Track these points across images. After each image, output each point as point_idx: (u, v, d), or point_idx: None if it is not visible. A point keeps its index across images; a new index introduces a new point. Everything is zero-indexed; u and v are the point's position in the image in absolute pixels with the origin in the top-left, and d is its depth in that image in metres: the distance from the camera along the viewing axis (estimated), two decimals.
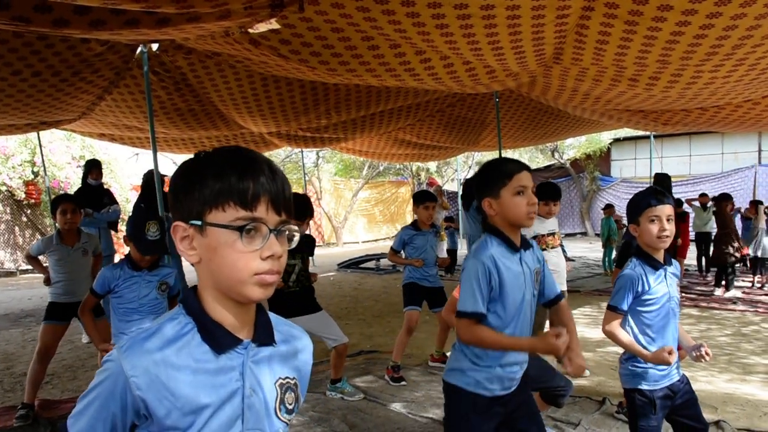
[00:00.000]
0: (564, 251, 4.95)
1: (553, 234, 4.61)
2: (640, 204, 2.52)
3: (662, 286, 2.52)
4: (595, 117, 8.09)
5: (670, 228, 2.45)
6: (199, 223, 1.07)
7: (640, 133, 17.84)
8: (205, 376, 1.08)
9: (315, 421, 3.95)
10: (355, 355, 5.54)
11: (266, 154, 19.61)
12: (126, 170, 15.52)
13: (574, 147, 21.24)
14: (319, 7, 3.62)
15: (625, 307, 2.52)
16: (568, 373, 2.21)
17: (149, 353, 1.05)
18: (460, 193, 10.70)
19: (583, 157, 20.45)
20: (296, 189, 19.15)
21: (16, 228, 12.98)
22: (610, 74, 4.65)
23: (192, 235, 1.09)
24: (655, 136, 16.89)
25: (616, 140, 20.34)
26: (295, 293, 4.11)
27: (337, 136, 9.97)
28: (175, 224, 1.10)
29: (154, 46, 5.82)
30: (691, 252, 10.60)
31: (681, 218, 9.47)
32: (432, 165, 22.15)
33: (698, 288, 9.06)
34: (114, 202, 6.51)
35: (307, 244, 4.27)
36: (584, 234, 20.99)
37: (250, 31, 4.20)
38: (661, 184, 8.15)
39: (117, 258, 7.87)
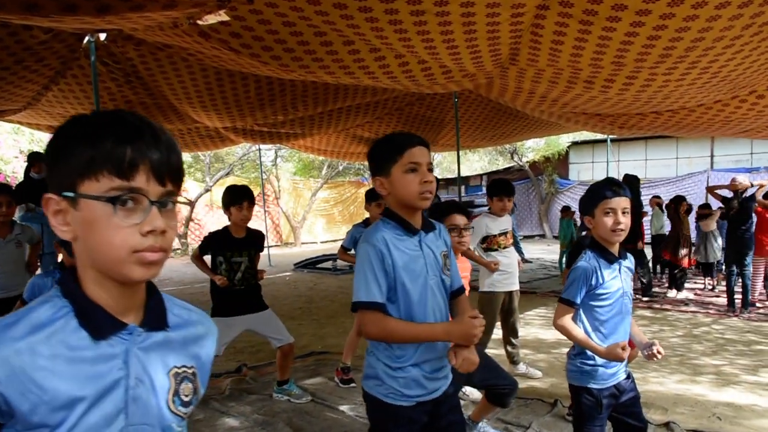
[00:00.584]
0: (521, 252, 4.92)
1: (505, 233, 4.56)
2: (595, 195, 2.45)
3: (616, 280, 2.46)
4: (553, 119, 8.13)
5: (626, 221, 2.39)
6: (71, 194, 0.96)
7: (598, 136, 18.10)
8: (81, 365, 0.96)
9: (259, 424, 3.83)
10: (305, 356, 5.43)
11: (223, 150, 19.32)
12: None
13: (533, 150, 21.45)
14: None
15: (578, 300, 2.46)
16: (455, 367, 2.02)
17: (11, 342, 0.92)
18: None
19: (541, 160, 20.66)
20: (254, 188, 18.78)
21: None
22: (566, 76, 4.64)
23: (65, 209, 0.98)
24: (612, 140, 17.13)
25: (575, 143, 20.61)
26: (240, 291, 3.98)
27: (294, 131, 9.84)
28: (46, 197, 0.98)
29: (102, 36, 5.59)
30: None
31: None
32: None
33: (652, 290, 9.16)
34: None
35: (256, 240, 4.13)
36: (542, 236, 21.22)
37: (199, 22, 4.06)
38: (631, 186, 8.26)
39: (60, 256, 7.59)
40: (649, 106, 5.72)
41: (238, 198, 3.90)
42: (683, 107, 6.01)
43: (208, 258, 4.05)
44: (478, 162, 28.28)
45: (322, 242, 21.29)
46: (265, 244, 14.81)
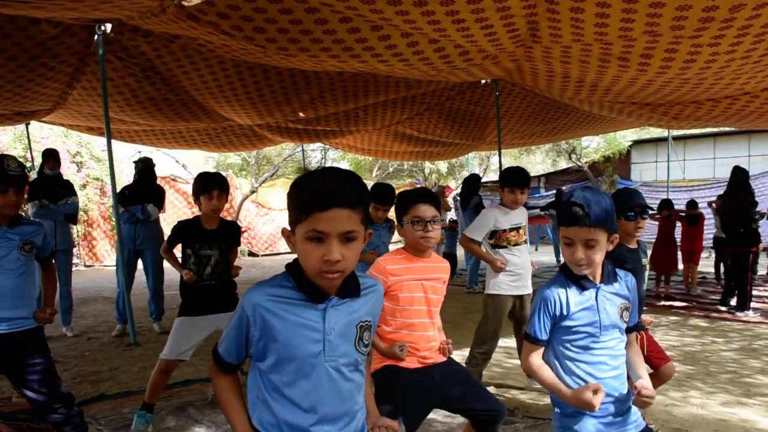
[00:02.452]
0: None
1: (517, 229, 4.02)
2: (560, 216, 1.95)
3: (589, 312, 1.93)
4: (603, 112, 7.53)
5: (587, 256, 1.87)
6: None
7: (662, 134, 17.10)
8: None
9: None
10: None
11: (274, 152, 19.18)
12: (129, 168, 15.19)
13: (594, 150, 20.53)
14: None
15: (541, 335, 1.96)
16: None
17: None
18: (459, 190, 10.18)
19: (601, 160, 19.70)
20: None
21: None
22: (596, 53, 4.12)
23: None
24: (676, 138, 16.13)
25: (636, 142, 19.57)
26: (209, 287, 3.56)
27: (331, 128, 9.53)
28: None
29: (108, 28, 5.40)
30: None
31: (693, 222, 8.81)
32: (443, 166, 21.61)
33: (712, 297, 8.37)
34: (72, 193, 6.11)
35: (230, 234, 3.73)
36: None
37: (185, 3, 3.77)
38: (742, 176, 7.24)
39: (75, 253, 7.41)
40: (700, 90, 5.08)
41: (207, 186, 3.49)
42: (743, 91, 5.34)
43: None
44: (541, 164, 27.27)
45: None
46: None
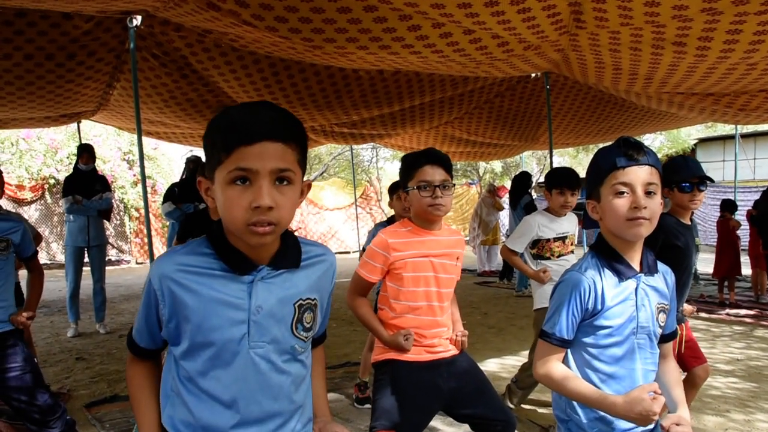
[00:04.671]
0: None
1: (563, 238, 3.56)
2: (600, 167, 1.54)
3: (627, 305, 1.52)
4: (663, 106, 7.06)
5: (651, 205, 1.46)
6: None
7: (730, 131, 16.18)
8: None
9: None
10: (337, 367, 4.76)
11: (325, 150, 19.00)
12: (181, 167, 15.38)
13: (655, 149, 19.65)
14: None
15: (568, 335, 1.53)
16: None
17: None
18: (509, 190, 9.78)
19: (664, 159, 18.79)
20: (347, 188, 18.35)
21: None
22: (647, 38, 3.73)
23: None
24: (745, 136, 15.20)
25: (702, 140, 18.59)
26: None
27: (378, 132, 9.28)
28: None
29: (137, 21, 5.31)
30: None
31: None
32: (498, 165, 21.04)
33: None
34: (107, 189, 6.08)
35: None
36: None
37: None
38: None
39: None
40: None
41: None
42: None
43: None
44: None
45: None
46: (361, 246, 14.47)
